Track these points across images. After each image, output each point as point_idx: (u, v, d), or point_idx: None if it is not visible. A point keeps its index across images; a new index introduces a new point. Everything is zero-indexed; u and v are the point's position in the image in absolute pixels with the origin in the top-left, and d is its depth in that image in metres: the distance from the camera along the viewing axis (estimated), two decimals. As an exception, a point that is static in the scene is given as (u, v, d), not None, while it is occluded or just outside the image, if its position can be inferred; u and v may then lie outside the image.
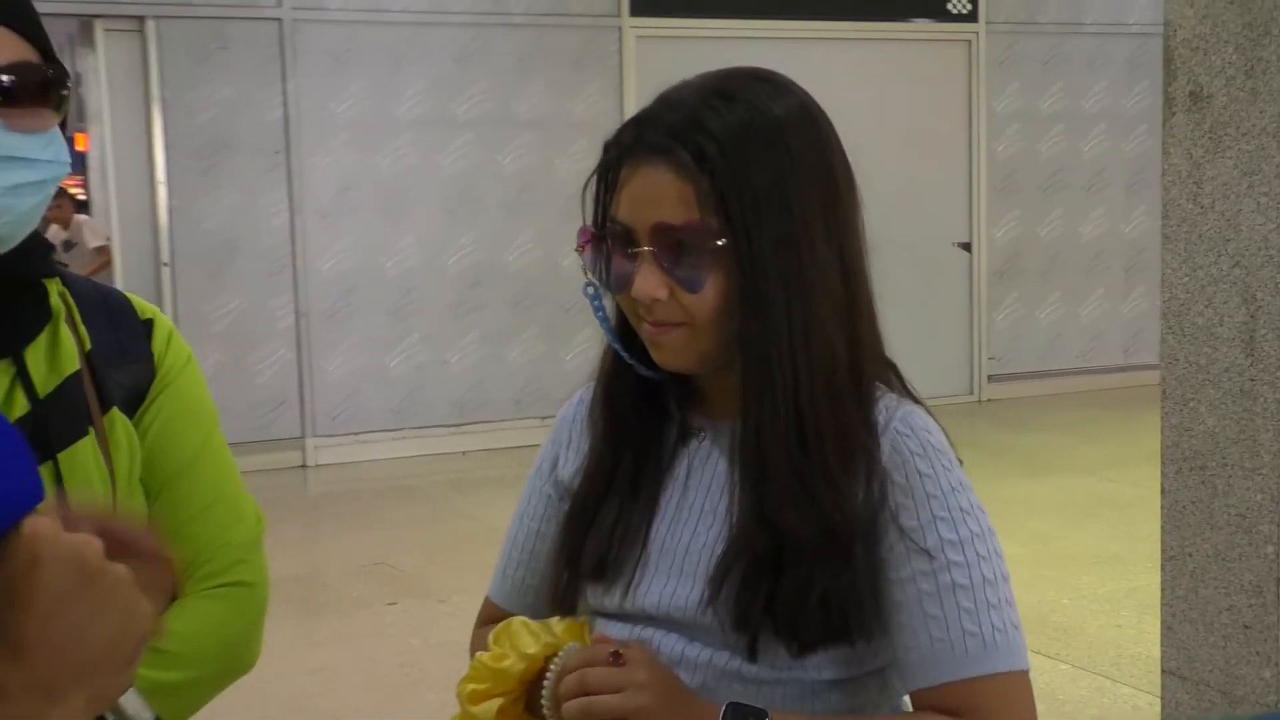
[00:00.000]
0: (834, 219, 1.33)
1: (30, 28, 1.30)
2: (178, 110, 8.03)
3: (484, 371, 8.75)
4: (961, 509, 1.30)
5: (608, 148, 1.34)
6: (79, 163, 10.56)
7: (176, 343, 1.46)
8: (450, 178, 8.64)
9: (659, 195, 1.28)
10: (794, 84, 1.37)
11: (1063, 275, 10.33)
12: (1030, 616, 5.11)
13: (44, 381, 1.30)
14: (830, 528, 1.27)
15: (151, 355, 1.41)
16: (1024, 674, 1.30)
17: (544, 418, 8.76)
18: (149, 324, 1.44)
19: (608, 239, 1.33)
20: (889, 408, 1.34)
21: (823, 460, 1.28)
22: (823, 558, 1.27)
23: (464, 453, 8.41)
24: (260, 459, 8.12)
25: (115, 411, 1.34)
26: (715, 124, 1.28)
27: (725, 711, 1.26)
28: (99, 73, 8.06)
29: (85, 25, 8.11)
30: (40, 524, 0.83)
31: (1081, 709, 4.34)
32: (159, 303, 8.05)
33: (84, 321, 1.37)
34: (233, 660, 1.40)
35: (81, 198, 10.75)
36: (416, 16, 8.48)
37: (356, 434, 8.48)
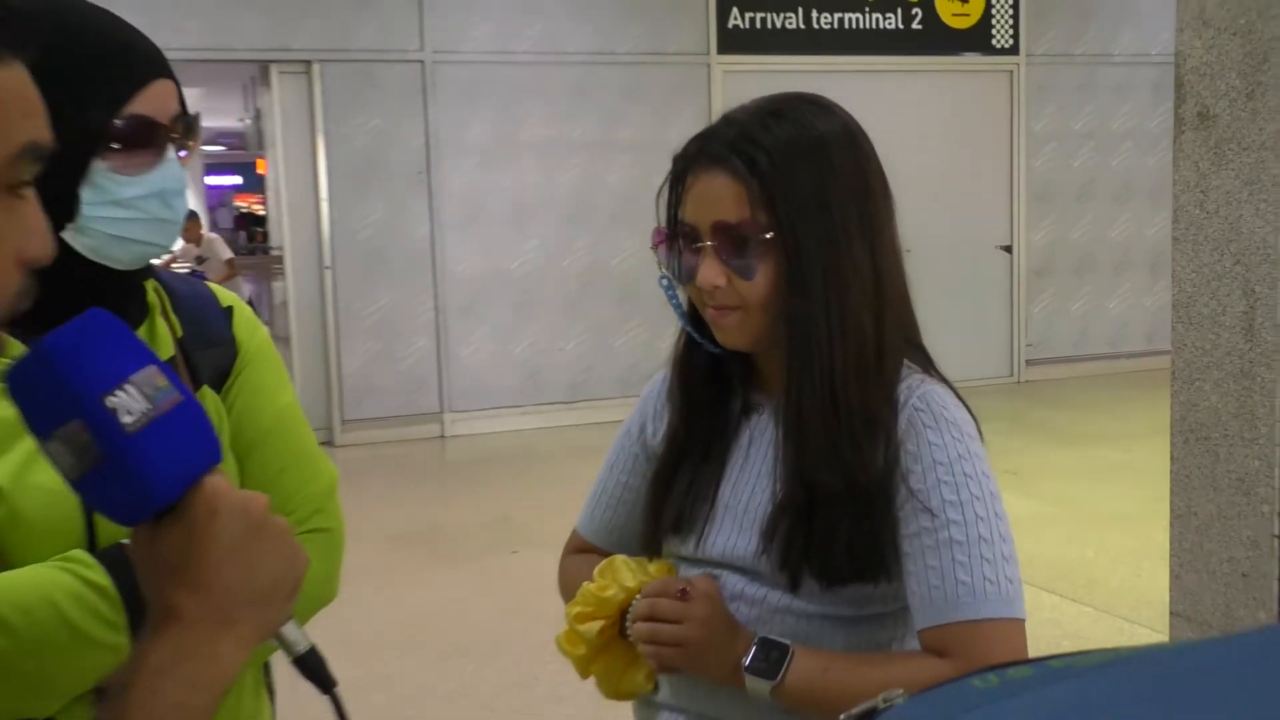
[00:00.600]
0: (868, 221, 1.33)
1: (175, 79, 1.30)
2: (337, 139, 8.14)
3: (593, 357, 8.78)
4: (965, 475, 1.29)
5: (676, 160, 1.35)
6: (258, 183, 10.85)
7: (254, 326, 1.43)
8: (565, 193, 8.66)
9: (718, 197, 1.29)
10: (838, 107, 1.37)
11: (1092, 273, 10.12)
12: (1061, 568, 5.07)
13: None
14: (854, 485, 1.28)
15: (234, 338, 1.39)
16: (1015, 621, 1.27)
17: (644, 396, 8.80)
18: (229, 311, 1.42)
19: (678, 237, 1.34)
20: (911, 386, 1.33)
21: (850, 428, 1.28)
22: (848, 510, 1.28)
23: (575, 426, 8.46)
24: (405, 430, 8.26)
25: (206, 388, 1.33)
26: (766, 138, 1.29)
27: (757, 642, 1.28)
28: (274, 108, 8.20)
29: (263, 69, 8.24)
30: (218, 482, 0.85)
31: (1104, 645, 4.27)
32: (321, 300, 8.20)
33: (175, 312, 1.36)
34: (316, 596, 1.38)
35: (261, 212, 10.95)
36: (537, 57, 8.50)
37: (485, 410, 8.52)
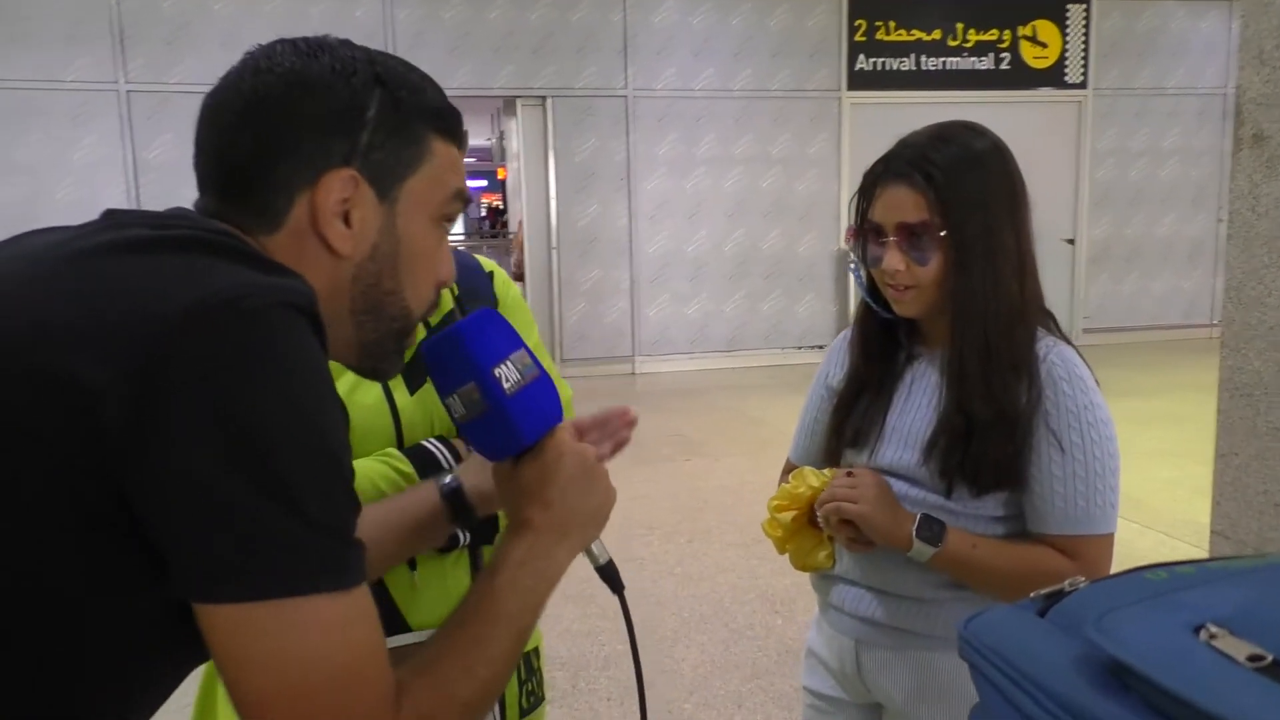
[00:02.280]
0: (1014, 215, 1.30)
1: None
2: (563, 153, 8.20)
3: (745, 318, 8.71)
4: (1089, 422, 1.25)
5: (866, 175, 1.33)
6: (499, 185, 11.05)
7: (508, 285, 1.41)
8: (728, 195, 8.56)
9: (901, 203, 1.27)
10: (987, 129, 1.33)
11: (1140, 261, 9.51)
12: (1110, 490, 4.83)
13: (434, 318, 1.28)
14: (1002, 415, 1.25)
15: (495, 295, 1.37)
16: (1111, 535, 1.26)
17: (783, 348, 8.70)
18: (490, 275, 1.39)
19: (866, 233, 1.33)
20: (1048, 346, 1.30)
21: (1000, 370, 1.26)
22: (995, 434, 1.25)
23: (732, 369, 8.45)
24: (606, 368, 8.37)
25: None
26: (937, 157, 1.26)
27: (919, 518, 1.27)
28: (517, 130, 8.31)
29: (509, 102, 8.35)
30: (564, 432, 0.89)
31: (1147, 556, 4.07)
32: (549, 274, 8.34)
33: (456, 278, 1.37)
34: None
35: (500, 207, 11.03)
36: (709, 93, 8.40)
37: (665, 355, 8.55)
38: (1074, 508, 1.24)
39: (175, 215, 0.76)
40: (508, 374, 0.85)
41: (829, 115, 8.62)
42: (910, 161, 1.27)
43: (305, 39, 0.80)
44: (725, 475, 5.23)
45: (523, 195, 8.37)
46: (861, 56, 8.65)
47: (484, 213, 20.60)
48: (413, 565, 1.27)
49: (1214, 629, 0.41)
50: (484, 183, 22.71)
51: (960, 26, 8.81)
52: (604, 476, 0.91)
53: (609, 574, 0.93)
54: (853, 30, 8.61)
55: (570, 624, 3.47)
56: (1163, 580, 0.50)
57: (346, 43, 0.81)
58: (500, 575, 0.82)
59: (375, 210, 0.80)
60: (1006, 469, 1.26)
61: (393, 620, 1.21)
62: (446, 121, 0.83)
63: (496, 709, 1.37)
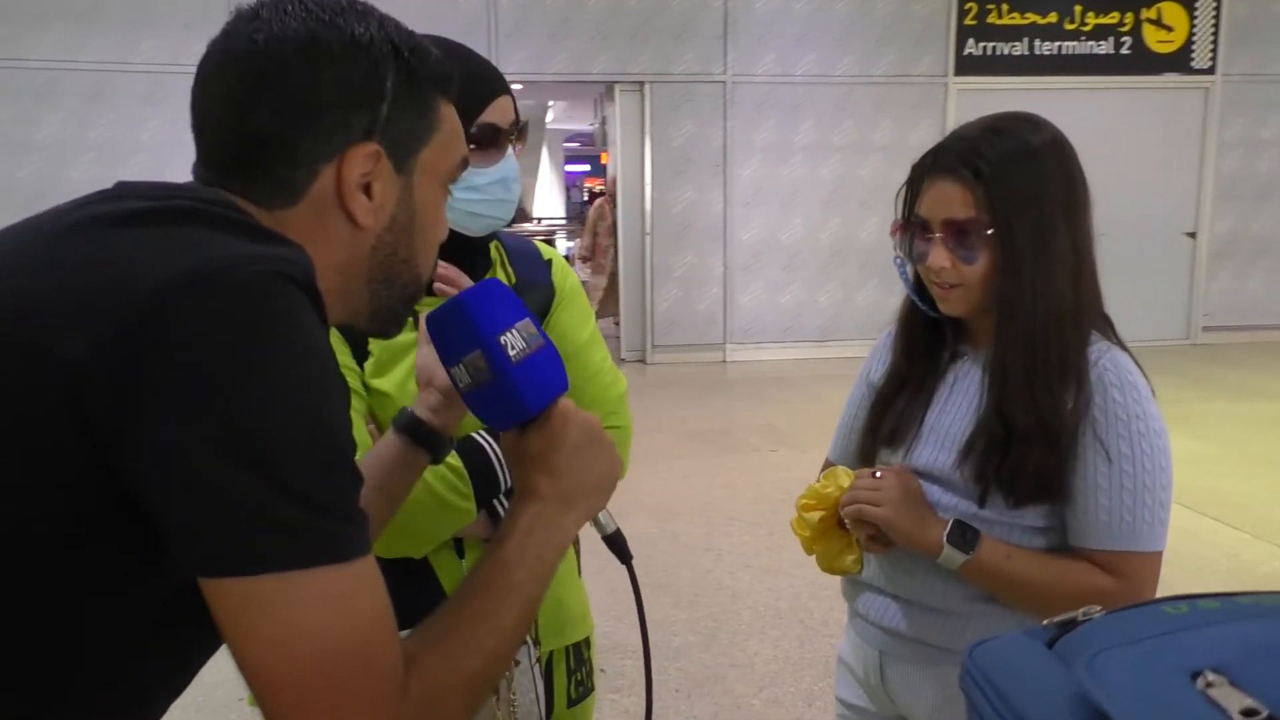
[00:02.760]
0: (1071, 215, 1.22)
1: (512, 94, 1.27)
2: (660, 139, 8.18)
3: (839, 308, 8.55)
4: (1140, 432, 1.18)
5: (914, 168, 1.27)
6: (602, 170, 11.13)
7: (566, 273, 1.40)
8: (825, 183, 8.40)
9: (948, 199, 1.22)
10: (1048, 123, 1.26)
11: (1265, 258, 8.94)
12: (1221, 498, 4.56)
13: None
14: (1044, 423, 1.19)
15: (552, 283, 1.37)
16: (1158, 553, 1.18)
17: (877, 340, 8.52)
18: (549, 263, 1.38)
19: (912, 228, 1.27)
20: (1101, 351, 1.22)
21: (1046, 375, 1.19)
22: (1037, 442, 1.19)
23: (825, 359, 8.32)
24: (698, 355, 8.35)
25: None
26: (989, 150, 1.20)
27: (952, 524, 1.21)
28: (615, 116, 8.32)
29: (609, 88, 8.36)
30: (568, 403, 0.88)
31: (1257, 566, 3.83)
32: (641, 259, 8.35)
33: (510, 264, 1.35)
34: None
35: (600, 189, 10.98)
36: (809, 78, 8.25)
37: (757, 343, 8.46)
38: (1119, 522, 1.17)
39: (179, 187, 0.75)
40: (513, 342, 0.85)
41: (934, 102, 8.36)
42: (959, 155, 1.21)
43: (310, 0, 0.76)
44: (811, 468, 5.10)
45: (620, 179, 8.39)
46: (971, 41, 8.36)
47: (586, 197, 20.74)
48: (460, 552, 1.29)
49: (1211, 677, 0.37)
50: (586, 167, 22.90)
51: (1079, 9, 8.41)
52: (610, 445, 0.90)
53: (616, 543, 0.93)
54: (962, 13, 8.33)
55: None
56: (1181, 615, 0.45)
57: (346, 3, 0.78)
58: (508, 545, 0.82)
59: (394, 182, 0.80)
60: (1046, 481, 1.19)
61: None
62: (452, 85, 0.83)
63: (543, 698, 1.38)
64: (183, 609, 0.68)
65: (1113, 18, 8.47)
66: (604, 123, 11.16)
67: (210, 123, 0.76)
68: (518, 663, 1.33)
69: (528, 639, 1.34)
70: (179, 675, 0.78)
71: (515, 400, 0.85)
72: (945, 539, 1.20)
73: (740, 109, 8.22)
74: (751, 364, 8.28)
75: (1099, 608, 0.50)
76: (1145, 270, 8.39)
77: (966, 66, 8.37)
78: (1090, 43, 8.45)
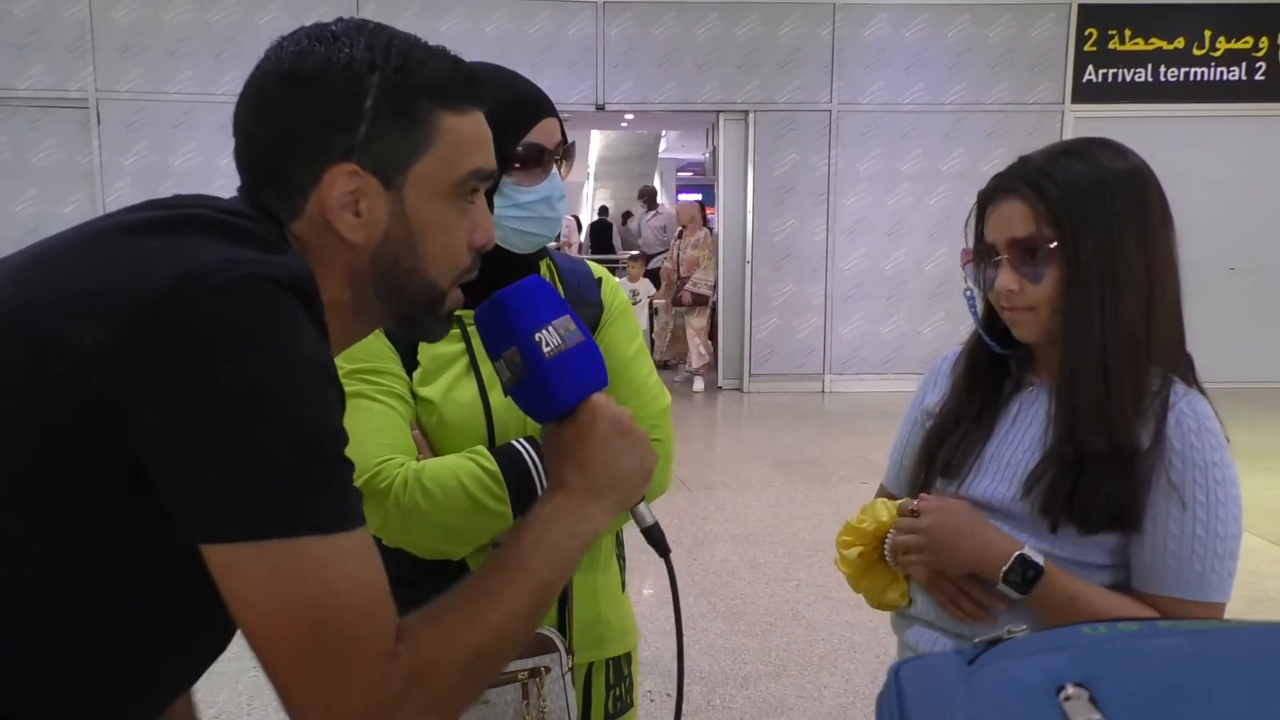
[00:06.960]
0: (1145, 240, 1.17)
1: (559, 117, 1.28)
2: (763, 167, 8.16)
3: (945, 341, 8.26)
4: (1215, 480, 1.13)
5: (980, 195, 1.25)
6: (710, 196, 11.13)
7: (615, 291, 1.41)
8: (932, 213, 8.21)
9: (1011, 218, 1.19)
10: (1130, 151, 1.22)
11: None
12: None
13: None
14: (1118, 447, 1.13)
15: (601, 300, 1.38)
16: (1220, 606, 1.14)
17: (984, 374, 8.24)
18: (599, 281, 1.40)
19: (981, 256, 1.25)
20: (1179, 393, 1.17)
21: (1119, 399, 1.14)
22: (1109, 468, 1.14)
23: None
24: (796, 385, 8.25)
25: None
26: (1054, 170, 1.18)
27: (1015, 559, 1.16)
28: (721, 145, 8.36)
29: (714, 117, 8.42)
30: (602, 398, 0.91)
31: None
32: (741, 287, 8.33)
33: (562, 281, 1.37)
34: (653, 488, 1.37)
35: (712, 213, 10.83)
36: (919, 106, 8.11)
37: (857, 374, 8.32)
38: (1188, 569, 1.13)
39: (206, 199, 0.82)
40: (548, 339, 0.88)
41: (1049, 130, 8.09)
42: (1022, 176, 1.19)
43: (316, 26, 0.82)
44: (902, 502, 5.02)
45: (720, 206, 8.41)
46: (1090, 68, 8.08)
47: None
48: (498, 551, 1.30)
49: (1071, 690, 0.34)
50: (698, 196, 23.04)
51: (1208, 34, 8.04)
52: (642, 440, 0.92)
53: (655, 536, 0.95)
54: (1081, 40, 8.06)
55: (715, 639, 3.42)
56: (1099, 635, 0.42)
57: (351, 25, 0.82)
58: (528, 531, 0.85)
59: (382, 199, 0.82)
60: (1121, 507, 1.14)
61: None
62: (456, 93, 0.84)
63: (573, 708, 1.37)
64: (170, 577, 0.73)
65: (1246, 43, 8.05)
66: (715, 152, 11.20)
67: (236, 146, 0.85)
68: (549, 670, 1.33)
69: (560, 647, 1.34)
70: (178, 656, 0.81)
71: (548, 394, 0.88)
72: (1003, 576, 1.15)
73: (846, 138, 8.14)
74: (850, 395, 8.14)
75: (1024, 627, 0.47)
76: (1274, 303, 7.88)
77: (1085, 94, 8.09)
78: (1220, 68, 8.05)
